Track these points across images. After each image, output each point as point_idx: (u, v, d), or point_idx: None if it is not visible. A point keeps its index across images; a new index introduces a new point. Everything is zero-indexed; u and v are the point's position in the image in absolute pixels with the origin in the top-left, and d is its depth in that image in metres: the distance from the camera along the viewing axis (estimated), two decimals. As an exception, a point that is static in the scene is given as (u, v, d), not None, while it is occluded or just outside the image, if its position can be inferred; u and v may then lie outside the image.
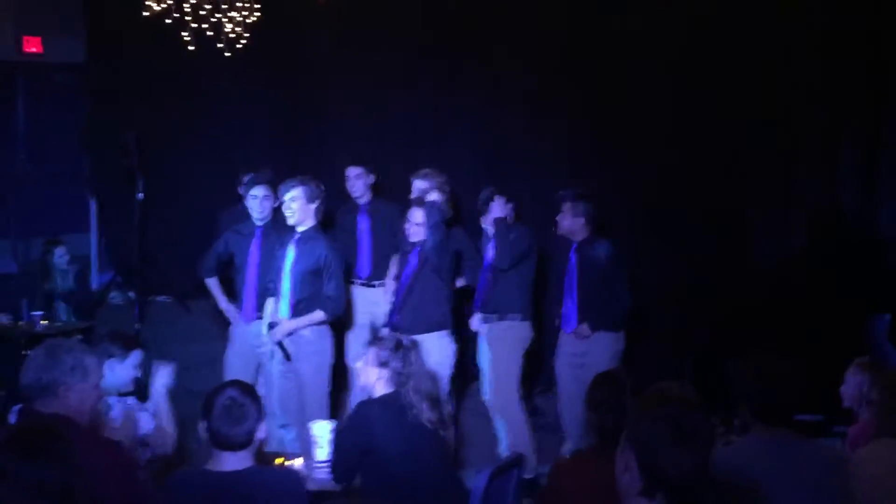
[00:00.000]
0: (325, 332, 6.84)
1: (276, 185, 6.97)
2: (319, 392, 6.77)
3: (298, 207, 6.64)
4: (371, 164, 7.74)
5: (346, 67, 8.87)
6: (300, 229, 6.72)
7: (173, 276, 9.22)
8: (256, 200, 7.17)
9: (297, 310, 6.70)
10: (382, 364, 5.09)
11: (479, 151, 8.66)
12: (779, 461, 3.64)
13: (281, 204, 6.80)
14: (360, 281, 7.67)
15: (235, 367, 7.13)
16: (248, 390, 4.00)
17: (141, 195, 8.62)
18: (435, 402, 5.12)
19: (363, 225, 7.72)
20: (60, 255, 8.91)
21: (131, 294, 9.28)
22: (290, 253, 6.73)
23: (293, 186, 6.66)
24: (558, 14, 8.32)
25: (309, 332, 6.75)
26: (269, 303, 6.88)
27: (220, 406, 3.86)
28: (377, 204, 7.72)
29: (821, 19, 7.72)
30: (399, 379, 5.05)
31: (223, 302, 7.38)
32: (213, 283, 7.39)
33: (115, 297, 9.63)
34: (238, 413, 3.86)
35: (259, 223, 7.21)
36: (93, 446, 3.90)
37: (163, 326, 8.92)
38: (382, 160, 8.00)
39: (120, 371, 5.19)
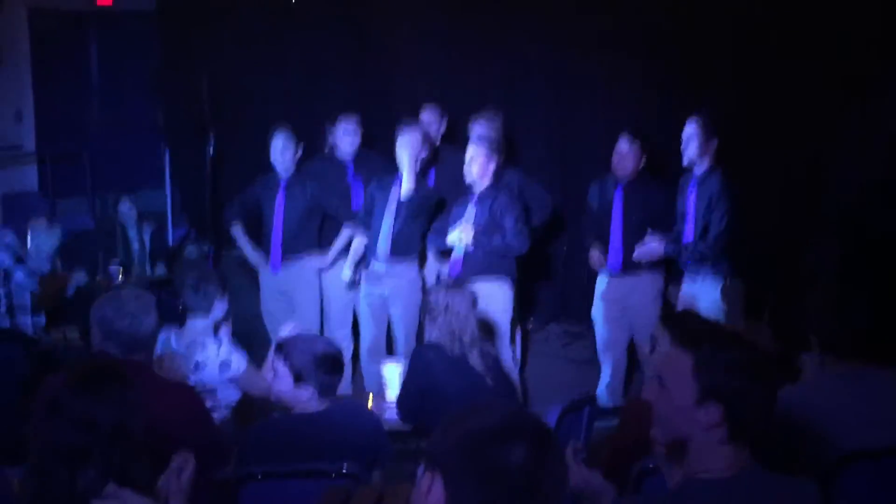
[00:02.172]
0: (418, 276, 7.10)
1: (295, 135, 7.24)
2: (412, 332, 6.93)
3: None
4: (444, 107, 7.67)
5: (414, 9, 8.77)
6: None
7: (247, 228, 9.25)
8: (277, 152, 7.26)
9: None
10: (430, 311, 5.13)
11: (551, 95, 8.53)
12: (845, 398, 3.54)
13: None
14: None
15: (272, 315, 7.36)
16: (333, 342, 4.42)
17: (212, 148, 8.62)
18: (483, 348, 5.21)
19: (429, 173, 7.67)
20: (126, 211, 9.02)
21: (206, 247, 9.35)
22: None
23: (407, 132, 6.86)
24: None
25: (406, 276, 6.99)
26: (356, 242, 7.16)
27: (322, 357, 4.17)
28: (445, 152, 7.63)
29: None
30: (445, 324, 5.07)
31: (249, 249, 7.51)
32: (238, 231, 7.52)
33: (190, 250, 9.72)
34: (338, 363, 4.23)
35: (283, 174, 7.30)
36: (161, 389, 3.98)
37: (238, 278, 8.96)
38: (452, 104, 7.91)
39: (221, 308, 5.30)
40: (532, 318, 8.35)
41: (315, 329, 7.32)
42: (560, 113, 8.51)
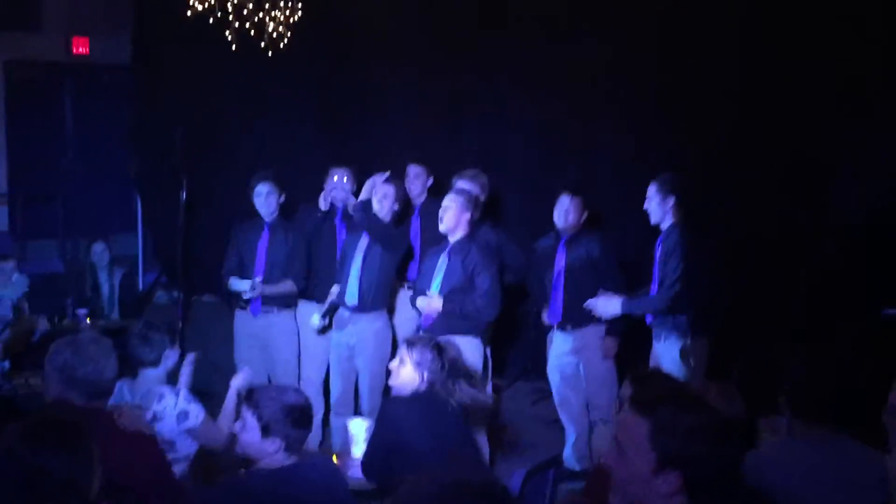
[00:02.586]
0: (386, 326, 7.13)
1: (279, 182, 7.35)
2: (377, 386, 6.93)
3: (388, 205, 6.97)
4: (429, 166, 7.76)
5: (390, 62, 8.88)
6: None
7: (217, 275, 9.25)
8: (261, 198, 7.36)
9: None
10: (417, 364, 5.06)
11: (526, 144, 8.63)
12: (815, 464, 3.54)
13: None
14: (409, 283, 7.63)
15: (247, 363, 7.06)
16: (301, 393, 4.24)
17: (185, 195, 8.62)
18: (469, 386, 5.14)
19: (415, 225, 7.68)
20: (99, 252, 9.00)
21: (176, 293, 9.31)
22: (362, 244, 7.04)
23: (384, 184, 6.95)
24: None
25: (371, 327, 7.01)
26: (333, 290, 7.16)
27: (292, 410, 4.06)
28: (430, 205, 7.65)
29: None
30: (432, 378, 5.02)
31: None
32: (236, 282, 7.44)
33: (160, 296, 9.72)
34: (306, 417, 4.10)
35: (267, 219, 7.39)
36: (121, 439, 3.93)
37: (207, 326, 8.94)
38: (428, 156, 7.97)
39: (173, 357, 5.24)
40: (501, 376, 8.34)
41: (293, 379, 7.32)
42: (535, 174, 8.59)
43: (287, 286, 7.39)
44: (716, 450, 2.49)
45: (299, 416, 4.10)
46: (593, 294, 6.69)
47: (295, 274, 7.42)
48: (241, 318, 7.51)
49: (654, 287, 6.62)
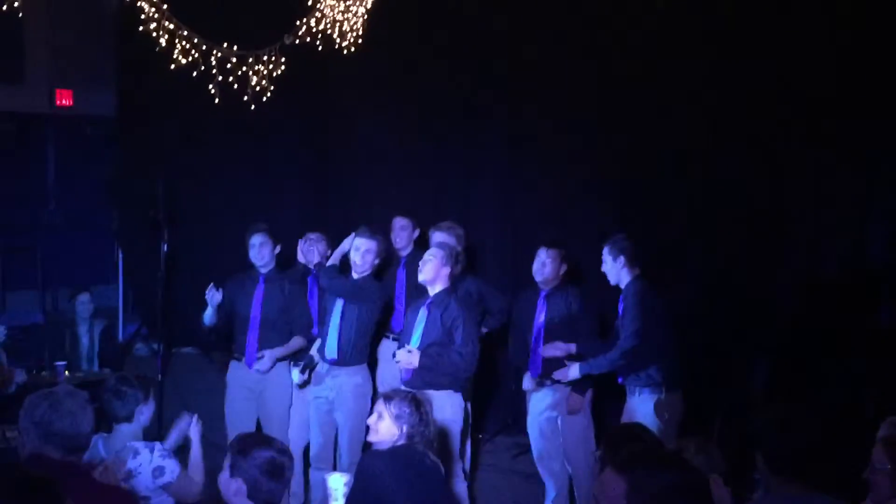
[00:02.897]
0: (366, 381, 7.14)
1: (272, 233, 7.36)
2: (356, 440, 6.90)
3: (370, 259, 7.00)
4: (416, 218, 7.82)
5: (373, 118, 9.01)
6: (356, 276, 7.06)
7: (197, 327, 9.24)
8: (255, 249, 7.36)
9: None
10: (396, 418, 5.05)
11: (505, 202, 8.71)
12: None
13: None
14: (394, 334, 7.64)
15: (237, 415, 7.30)
16: (285, 449, 4.02)
17: (166, 246, 8.62)
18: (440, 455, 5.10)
19: (401, 277, 7.74)
20: (84, 303, 8.96)
21: (156, 345, 9.28)
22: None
23: (365, 237, 7.00)
24: (583, 69, 8.38)
25: (351, 381, 7.01)
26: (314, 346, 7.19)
27: (263, 465, 3.89)
28: (416, 256, 7.67)
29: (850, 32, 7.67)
30: (411, 432, 5.00)
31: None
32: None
33: (140, 348, 9.67)
34: (280, 471, 3.91)
35: (262, 270, 7.39)
36: (100, 494, 3.90)
37: (187, 377, 8.91)
38: (412, 208, 8.03)
39: (147, 413, 5.17)
40: (482, 430, 8.34)
41: (284, 431, 7.25)
42: (512, 224, 8.67)
43: (297, 343, 7.34)
44: None
45: (276, 469, 3.98)
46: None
47: (301, 327, 7.39)
48: (235, 369, 7.48)
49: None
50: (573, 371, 6.70)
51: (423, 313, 6.74)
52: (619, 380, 6.72)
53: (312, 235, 7.55)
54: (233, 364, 7.50)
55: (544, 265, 7.02)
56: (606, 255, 6.73)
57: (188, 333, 9.39)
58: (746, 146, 7.95)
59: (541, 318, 7.06)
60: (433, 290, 6.75)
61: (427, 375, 6.58)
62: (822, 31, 7.66)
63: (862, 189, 7.81)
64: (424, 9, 8.78)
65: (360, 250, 7.01)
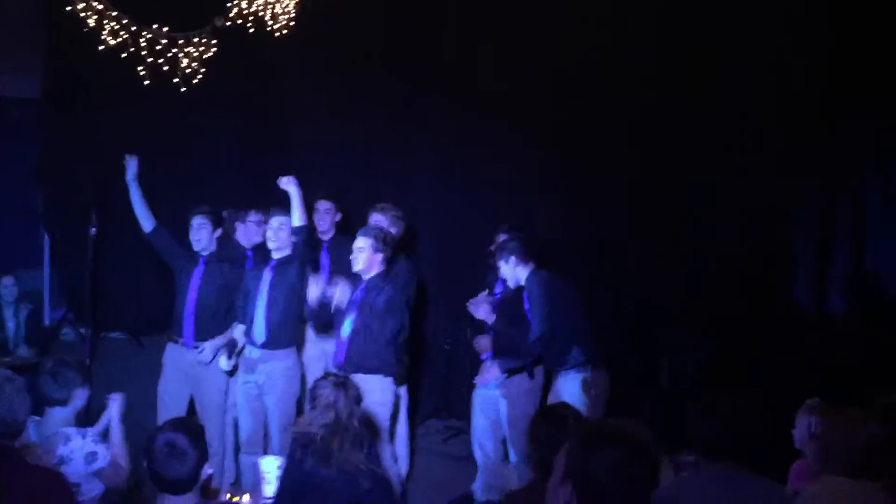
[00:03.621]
0: (296, 364, 7.11)
1: (215, 215, 7.38)
2: (287, 424, 6.85)
3: (286, 236, 6.96)
4: (339, 202, 7.81)
5: (305, 100, 8.98)
6: (277, 256, 7.03)
7: (126, 312, 9.15)
8: (194, 231, 7.35)
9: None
10: (314, 402, 5.12)
11: (445, 184, 8.76)
12: (718, 497, 3.65)
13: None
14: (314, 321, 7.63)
15: (170, 393, 7.28)
16: (190, 430, 3.88)
17: (94, 230, 8.51)
18: (362, 443, 5.14)
19: (324, 261, 7.74)
20: (8, 286, 8.84)
21: (83, 330, 9.17)
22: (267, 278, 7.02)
23: (280, 214, 6.95)
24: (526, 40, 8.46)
25: (281, 364, 6.97)
26: (238, 329, 7.17)
27: (160, 449, 3.76)
28: (339, 240, 7.70)
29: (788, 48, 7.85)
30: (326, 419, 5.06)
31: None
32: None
33: (67, 332, 9.55)
34: (179, 458, 3.76)
35: (202, 253, 7.36)
36: (29, 477, 3.87)
37: (115, 363, 8.83)
38: (346, 194, 8.02)
39: (82, 397, 5.11)
40: (414, 414, 8.36)
41: (218, 415, 7.29)
42: (448, 210, 8.72)
43: (237, 331, 7.30)
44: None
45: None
46: (522, 327, 6.89)
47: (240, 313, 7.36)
48: (172, 351, 7.42)
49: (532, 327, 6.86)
50: (494, 371, 6.83)
51: (356, 297, 6.78)
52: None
53: (252, 217, 7.52)
54: (169, 346, 7.44)
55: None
56: (499, 262, 6.92)
57: (116, 318, 9.30)
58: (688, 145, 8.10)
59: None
60: (367, 275, 6.79)
61: (359, 356, 6.63)
62: (784, 31, 7.83)
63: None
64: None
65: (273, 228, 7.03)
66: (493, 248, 7.09)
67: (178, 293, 7.39)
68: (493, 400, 7.11)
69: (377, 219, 7.32)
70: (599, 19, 8.26)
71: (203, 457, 3.80)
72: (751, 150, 7.98)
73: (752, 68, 7.90)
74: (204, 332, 7.29)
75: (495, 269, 7.10)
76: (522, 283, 6.88)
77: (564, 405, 4.80)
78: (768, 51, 7.87)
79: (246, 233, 7.65)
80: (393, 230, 7.24)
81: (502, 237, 7.12)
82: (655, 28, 8.13)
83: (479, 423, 7.23)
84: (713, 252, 8.13)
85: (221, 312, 7.36)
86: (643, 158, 8.26)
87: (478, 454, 7.26)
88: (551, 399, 6.74)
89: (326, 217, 7.77)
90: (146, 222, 7.48)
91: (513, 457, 7.09)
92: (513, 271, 6.89)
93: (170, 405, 7.12)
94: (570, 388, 6.68)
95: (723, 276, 8.06)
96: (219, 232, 7.41)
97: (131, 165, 7.47)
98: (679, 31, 8.05)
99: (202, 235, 7.33)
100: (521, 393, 6.96)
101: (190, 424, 4.01)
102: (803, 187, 8.06)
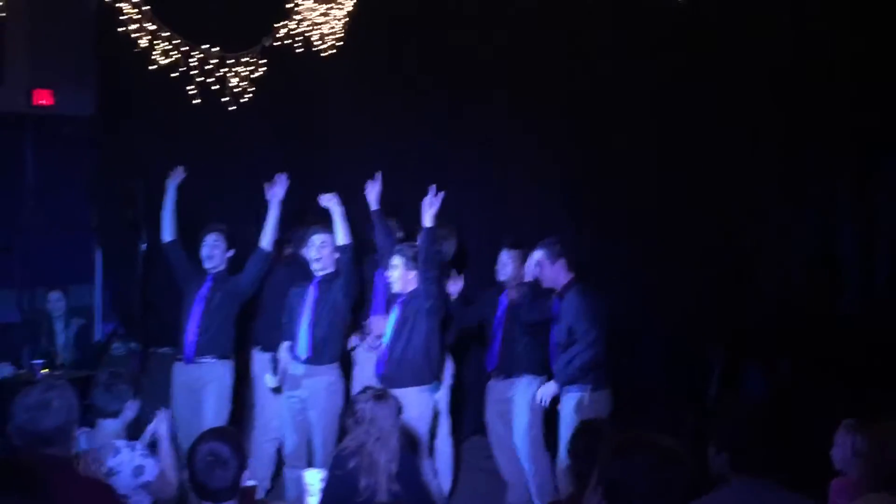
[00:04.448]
0: (339, 379, 7.20)
1: (227, 234, 7.49)
2: (330, 439, 6.98)
3: (328, 253, 7.10)
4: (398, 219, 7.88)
5: (352, 120, 9.07)
6: (321, 273, 7.16)
7: (175, 327, 9.26)
8: (207, 248, 7.48)
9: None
10: (355, 418, 5.18)
11: (481, 200, 8.83)
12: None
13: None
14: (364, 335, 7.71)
15: (183, 416, 7.24)
16: (230, 438, 3.96)
17: (144, 246, 8.64)
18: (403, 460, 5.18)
19: (379, 280, 7.76)
20: (55, 301, 8.99)
21: (133, 345, 9.29)
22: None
23: (322, 232, 7.11)
24: (557, 66, 8.52)
25: (324, 380, 7.08)
26: (282, 348, 7.23)
27: (202, 459, 3.84)
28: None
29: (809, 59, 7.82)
30: (366, 434, 5.11)
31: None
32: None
33: (117, 347, 9.65)
34: (221, 467, 3.83)
35: (211, 270, 7.48)
36: (80, 487, 3.95)
37: (163, 377, 8.89)
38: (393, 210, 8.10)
39: (133, 410, 5.16)
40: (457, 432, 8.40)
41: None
42: (492, 225, 8.76)
43: (283, 347, 7.34)
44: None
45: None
46: (529, 344, 7.02)
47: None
48: (178, 372, 7.54)
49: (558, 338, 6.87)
50: (551, 389, 6.78)
51: (395, 311, 6.86)
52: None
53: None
54: (175, 366, 7.56)
55: (504, 266, 7.22)
56: (544, 259, 6.87)
57: (165, 333, 9.39)
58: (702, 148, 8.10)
59: (500, 313, 7.27)
60: (405, 291, 6.86)
61: (399, 369, 6.70)
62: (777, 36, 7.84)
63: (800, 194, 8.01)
64: (402, 13, 8.85)
65: (317, 243, 7.19)
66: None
67: (184, 309, 7.51)
68: (501, 415, 7.26)
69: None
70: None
71: (243, 464, 3.88)
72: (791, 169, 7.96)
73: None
74: (205, 349, 7.39)
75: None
76: (558, 287, 6.87)
77: (602, 420, 4.82)
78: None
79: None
80: (442, 248, 7.28)
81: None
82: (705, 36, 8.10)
83: (492, 438, 7.38)
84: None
85: (225, 329, 7.46)
86: (681, 174, 8.23)
87: (505, 469, 7.37)
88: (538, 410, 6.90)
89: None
90: (167, 232, 7.63)
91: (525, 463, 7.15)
92: (553, 272, 6.86)
93: (185, 426, 7.02)
94: (570, 405, 6.70)
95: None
96: (231, 252, 7.51)
97: (177, 174, 7.53)
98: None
99: (216, 253, 7.46)
100: (527, 399, 7.09)
101: (228, 432, 4.09)
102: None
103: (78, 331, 9.21)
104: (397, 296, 6.96)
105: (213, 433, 4.04)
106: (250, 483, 3.96)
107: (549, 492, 7.05)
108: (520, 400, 7.13)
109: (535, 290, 7.08)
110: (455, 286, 7.29)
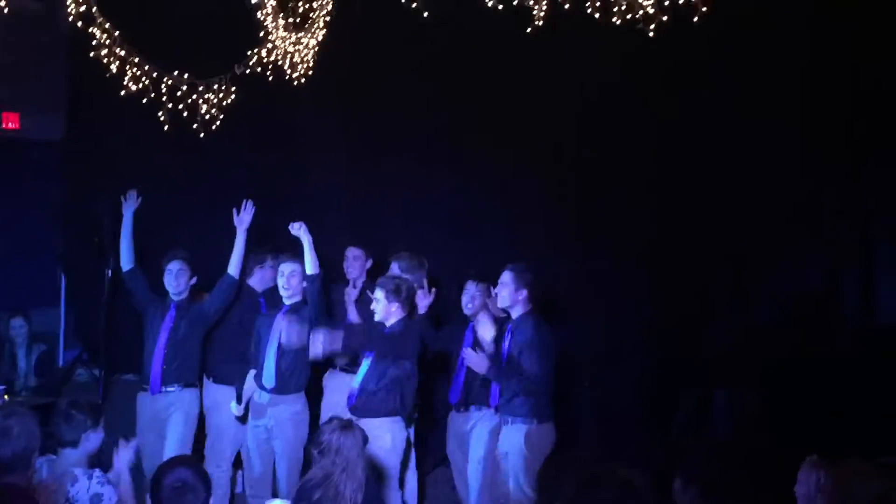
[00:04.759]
0: (304, 409, 7.18)
1: (191, 262, 7.41)
2: (294, 468, 6.96)
3: (297, 283, 7.05)
4: (369, 248, 7.87)
5: (323, 148, 9.08)
6: (289, 302, 7.14)
7: (139, 354, 9.18)
8: (171, 275, 7.38)
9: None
10: (319, 448, 5.15)
11: (453, 232, 8.83)
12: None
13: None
14: (342, 364, 7.65)
15: (145, 435, 7.21)
16: (198, 470, 3.94)
17: (110, 272, 8.58)
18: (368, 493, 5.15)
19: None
20: (17, 328, 8.89)
21: (97, 371, 9.20)
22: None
23: (291, 261, 7.06)
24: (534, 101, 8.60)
25: (290, 409, 7.04)
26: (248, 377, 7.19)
27: (168, 488, 3.81)
28: (369, 287, 7.71)
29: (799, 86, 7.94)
30: (331, 465, 5.08)
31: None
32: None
33: (80, 373, 9.57)
34: (189, 491, 3.81)
35: (174, 298, 7.41)
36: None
37: (127, 404, 8.81)
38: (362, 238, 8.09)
39: (94, 440, 5.15)
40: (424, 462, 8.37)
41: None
42: (465, 254, 8.77)
43: (249, 376, 7.31)
44: None
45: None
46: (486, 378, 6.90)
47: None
48: (142, 402, 7.48)
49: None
50: (482, 364, 6.67)
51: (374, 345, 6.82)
52: (493, 403, 6.93)
53: (270, 262, 7.60)
54: (140, 397, 7.50)
55: (473, 298, 7.17)
56: (509, 281, 6.81)
57: (130, 360, 9.31)
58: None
59: (467, 346, 7.08)
60: (388, 323, 6.81)
61: (370, 400, 6.64)
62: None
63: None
64: (375, 41, 8.88)
65: (286, 273, 7.18)
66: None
67: (148, 338, 7.44)
68: (455, 436, 7.31)
69: (393, 268, 7.37)
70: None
71: (209, 493, 3.84)
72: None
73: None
74: (171, 378, 7.34)
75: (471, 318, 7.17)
76: (514, 315, 6.86)
77: (572, 454, 4.83)
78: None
79: (262, 278, 7.71)
80: (410, 277, 7.26)
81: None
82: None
83: (463, 472, 7.31)
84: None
85: (191, 358, 7.41)
86: (658, 194, 8.33)
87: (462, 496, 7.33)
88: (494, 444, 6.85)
89: (356, 264, 7.81)
90: (126, 260, 7.59)
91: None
92: (514, 298, 6.82)
93: (154, 454, 7.05)
94: (513, 437, 6.65)
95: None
96: (194, 279, 7.46)
97: (132, 200, 7.48)
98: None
99: (181, 281, 7.39)
100: (488, 432, 7.09)
101: (194, 460, 4.06)
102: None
103: (40, 356, 9.10)
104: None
105: (180, 461, 4.01)
106: None
107: None
108: (477, 433, 7.13)
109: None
110: (424, 301, 7.20)
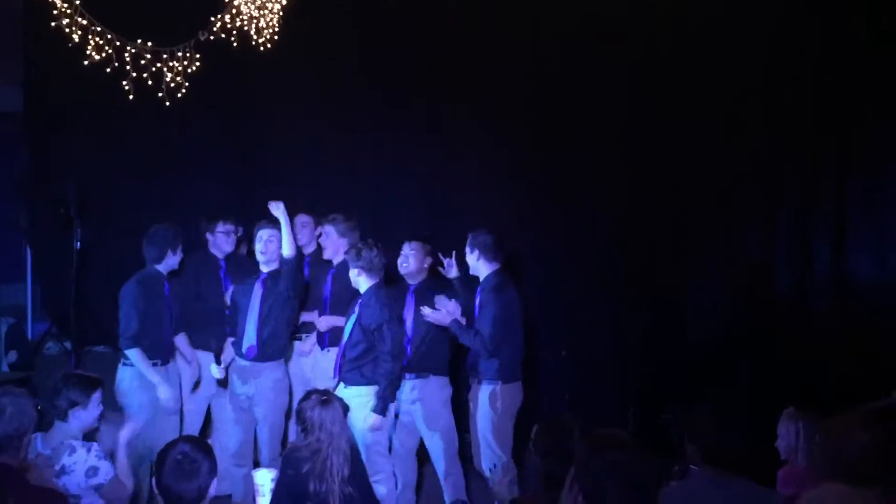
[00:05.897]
0: (285, 376, 7.19)
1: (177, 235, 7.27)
2: (276, 435, 6.99)
3: (275, 248, 6.99)
4: (320, 216, 7.79)
5: (290, 114, 9.03)
6: (266, 269, 7.10)
7: (110, 325, 9.11)
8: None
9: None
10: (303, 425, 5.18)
11: (422, 201, 8.79)
12: (715, 499, 3.76)
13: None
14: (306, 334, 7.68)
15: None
16: (201, 445, 3.95)
17: (78, 244, 8.49)
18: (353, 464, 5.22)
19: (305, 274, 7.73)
20: (-17, 303, 8.85)
21: (67, 344, 9.14)
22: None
23: (268, 227, 7.00)
24: (504, 61, 8.67)
25: (271, 376, 7.04)
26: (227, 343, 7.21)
27: (171, 462, 3.82)
28: (319, 254, 7.72)
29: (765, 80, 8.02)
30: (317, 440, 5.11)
31: (150, 372, 7.04)
32: (138, 354, 7.10)
33: (50, 347, 9.51)
34: (190, 469, 3.81)
35: (164, 271, 7.35)
36: (27, 494, 3.89)
37: (101, 377, 8.77)
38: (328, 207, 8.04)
39: (85, 416, 5.21)
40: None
41: (176, 428, 7.21)
42: (430, 218, 8.76)
43: (228, 343, 7.33)
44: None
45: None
46: (440, 343, 6.99)
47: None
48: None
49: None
50: (443, 319, 6.81)
51: (353, 314, 6.81)
52: (469, 363, 6.97)
53: (221, 228, 7.60)
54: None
55: (406, 257, 7.13)
56: (468, 248, 6.91)
57: (100, 332, 9.26)
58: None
59: (410, 311, 7.14)
60: (362, 289, 6.79)
61: (350, 370, 6.64)
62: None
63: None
64: (340, 5, 8.81)
65: (263, 238, 7.15)
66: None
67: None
68: (409, 414, 7.15)
69: (328, 230, 7.36)
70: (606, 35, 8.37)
71: (213, 471, 3.85)
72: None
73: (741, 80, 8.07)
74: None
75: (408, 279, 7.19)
76: (481, 278, 6.92)
77: (565, 415, 4.86)
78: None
79: (214, 243, 7.66)
80: (346, 239, 7.26)
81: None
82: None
83: (399, 438, 7.21)
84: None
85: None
86: (629, 167, 8.37)
87: (396, 469, 7.16)
88: (471, 406, 6.93)
89: (305, 231, 7.78)
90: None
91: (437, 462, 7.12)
92: (475, 265, 6.91)
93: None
94: (481, 398, 6.79)
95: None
96: (180, 252, 7.31)
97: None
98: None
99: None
100: (439, 398, 7.09)
101: (200, 440, 4.07)
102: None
103: (9, 330, 9.03)
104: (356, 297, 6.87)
105: (182, 438, 4.02)
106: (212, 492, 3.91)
107: (461, 488, 7.12)
108: (432, 398, 7.07)
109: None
110: (452, 269, 7.18)
